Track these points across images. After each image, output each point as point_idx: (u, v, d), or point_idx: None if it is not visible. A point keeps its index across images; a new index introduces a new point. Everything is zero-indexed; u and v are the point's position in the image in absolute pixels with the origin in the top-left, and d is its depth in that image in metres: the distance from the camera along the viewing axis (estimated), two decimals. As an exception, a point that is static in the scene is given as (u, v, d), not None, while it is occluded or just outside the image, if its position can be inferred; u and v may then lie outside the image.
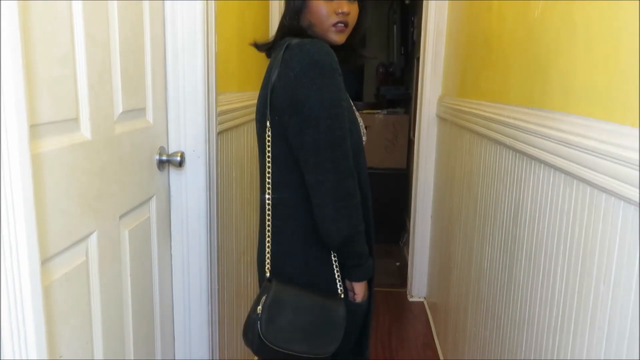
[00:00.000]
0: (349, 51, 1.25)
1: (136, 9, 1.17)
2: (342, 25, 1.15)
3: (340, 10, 1.13)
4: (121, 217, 1.12)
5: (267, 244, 1.20)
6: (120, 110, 1.09)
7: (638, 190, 0.71)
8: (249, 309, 1.19)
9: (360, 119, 1.24)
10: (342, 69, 1.14)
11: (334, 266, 1.17)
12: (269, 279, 1.18)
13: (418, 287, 2.97)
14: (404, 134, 3.80)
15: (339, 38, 1.17)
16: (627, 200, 0.75)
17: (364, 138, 1.24)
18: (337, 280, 1.17)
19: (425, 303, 2.93)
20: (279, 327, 1.13)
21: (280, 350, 1.13)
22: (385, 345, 2.46)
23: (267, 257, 1.21)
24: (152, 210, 1.32)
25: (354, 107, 1.22)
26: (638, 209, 0.73)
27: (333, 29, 1.15)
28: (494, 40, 1.62)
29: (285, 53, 1.10)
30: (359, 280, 1.18)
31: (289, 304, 1.14)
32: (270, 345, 1.13)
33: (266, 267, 1.20)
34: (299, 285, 1.16)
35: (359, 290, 1.19)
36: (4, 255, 0.60)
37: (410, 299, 2.98)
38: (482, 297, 1.61)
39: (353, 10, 1.17)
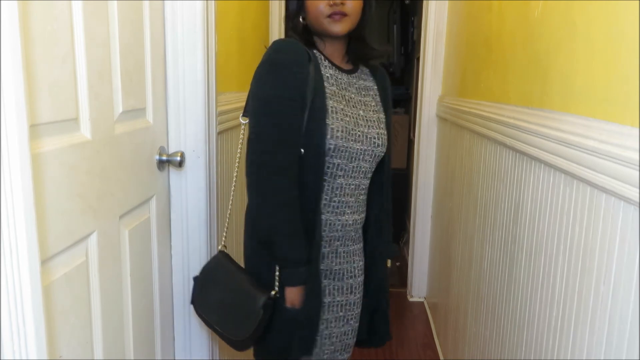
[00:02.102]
0: (361, 44, 1.23)
1: (136, 9, 1.17)
2: (338, 15, 1.12)
3: (333, 2, 1.12)
4: (121, 217, 1.12)
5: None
6: (120, 110, 1.09)
7: (638, 190, 0.71)
8: None
9: (366, 125, 1.19)
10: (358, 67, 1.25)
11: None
12: (220, 250, 1.31)
13: (418, 287, 2.97)
14: (404, 134, 3.80)
15: (337, 28, 1.14)
16: (627, 200, 0.75)
17: (359, 145, 1.16)
18: (276, 276, 1.17)
19: (425, 303, 2.93)
20: (205, 294, 1.25)
21: (202, 316, 1.27)
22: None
23: (223, 237, 1.35)
24: (152, 210, 1.32)
25: (332, 109, 1.14)
26: (638, 209, 0.72)
27: (328, 19, 1.13)
28: (493, 40, 1.62)
29: None
30: (286, 283, 1.15)
31: (220, 277, 1.24)
32: (196, 307, 1.28)
33: (222, 243, 1.34)
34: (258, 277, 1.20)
35: (287, 294, 1.15)
36: (4, 255, 0.60)
37: (410, 299, 2.98)
38: (482, 297, 1.61)
39: None
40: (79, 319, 0.95)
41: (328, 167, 1.16)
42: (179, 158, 1.37)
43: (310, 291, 1.17)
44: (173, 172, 1.43)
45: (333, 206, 1.19)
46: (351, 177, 1.19)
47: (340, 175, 1.17)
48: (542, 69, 1.16)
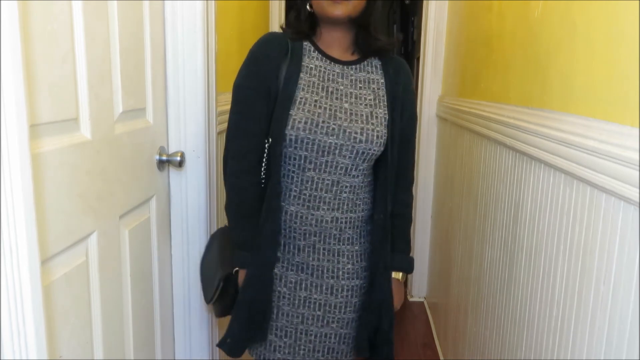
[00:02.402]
0: (365, 33, 1.19)
1: (136, 9, 1.17)
2: None
3: None
4: (121, 217, 1.12)
5: None
6: (120, 110, 1.09)
7: (638, 190, 0.71)
8: None
9: (348, 119, 1.15)
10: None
11: None
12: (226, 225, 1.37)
13: (418, 287, 2.97)
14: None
15: (336, 10, 1.11)
16: (627, 200, 0.75)
17: (332, 139, 1.14)
18: None
19: (425, 303, 2.93)
20: (205, 256, 1.37)
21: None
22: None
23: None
24: (152, 210, 1.32)
25: (301, 100, 1.15)
26: (638, 209, 0.73)
27: (329, 2, 1.11)
28: (494, 40, 1.62)
29: None
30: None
31: (211, 248, 1.35)
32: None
33: None
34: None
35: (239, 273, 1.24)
36: (4, 255, 0.60)
37: (410, 299, 2.98)
38: (482, 297, 1.61)
39: None
40: (79, 319, 0.95)
41: (295, 159, 1.15)
42: (179, 158, 1.37)
43: (252, 277, 1.19)
44: (173, 172, 1.43)
45: (304, 199, 1.17)
46: (325, 172, 1.16)
47: (310, 169, 1.15)
48: (542, 69, 1.16)
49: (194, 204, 1.45)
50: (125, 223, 1.15)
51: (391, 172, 1.22)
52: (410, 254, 1.32)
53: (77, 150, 0.92)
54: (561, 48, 1.06)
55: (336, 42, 1.21)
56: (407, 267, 1.30)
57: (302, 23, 1.20)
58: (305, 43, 1.21)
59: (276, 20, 2.62)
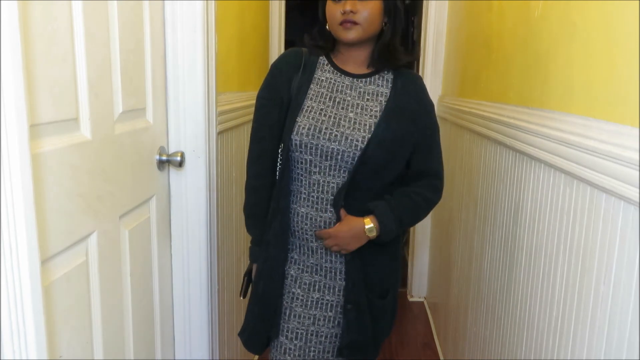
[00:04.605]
0: (384, 53, 1.23)
1: (136, 9, 1.17)
2: (349, 23, 1.17)
3: (343, 10, 1.16)
4: (121, 217, 1.12)
5: None
6: (120, 110, 1.09)
7: (638, 190, 0.71)
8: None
9: (351, 127, 1.18)
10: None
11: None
12: None
13: (418, 287, 2.97)
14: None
15: (347, 35, 1.18)
16: (627, 200, 0.75)
17: (335, 145, 1.17)
18: None
19: (425, 303, 2.93)
20: None
21: None
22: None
23: None
24: (152, 210, 1.32)
25: (308, 108, 1.20)
26: (638, 209, 0.73)
27: (340, 27, 1.18)
28: (494, 40, 1.62)
29: None
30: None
31: None
32: None
33: None
34: None
35: None
36: (4, 255, 0.60)
37: (410, 299, 2.98)
38: (482, 297, 1.61)
39: (362, 7, 1.16)
40: (79, 319, 0.95)
41: (302, 162, 1.20)
42: (179, 158, 1.37)
43: (262, 271, 1.27)
44: (173, 172, 1.43)
45: (312, 201, 1.21)
46: (330, 175, 1.19)
47: (315, 172, 1.20)
48: (542, 69, 1.16)
49: (194, 204, 1.45)
50: (125, 223, 1.15)
51: (369, 175, 1.20)
52: (394, 227, 1.26)
53: (77, 150, 0.92)
54: (561, 48, 1.06)
55: (351, 59, 1.26)
56: (375, 210, 1.19)
57: (325, 38, 1.26)
58: (321, 58, 1.28)
59: (276, 21, 2.62)
